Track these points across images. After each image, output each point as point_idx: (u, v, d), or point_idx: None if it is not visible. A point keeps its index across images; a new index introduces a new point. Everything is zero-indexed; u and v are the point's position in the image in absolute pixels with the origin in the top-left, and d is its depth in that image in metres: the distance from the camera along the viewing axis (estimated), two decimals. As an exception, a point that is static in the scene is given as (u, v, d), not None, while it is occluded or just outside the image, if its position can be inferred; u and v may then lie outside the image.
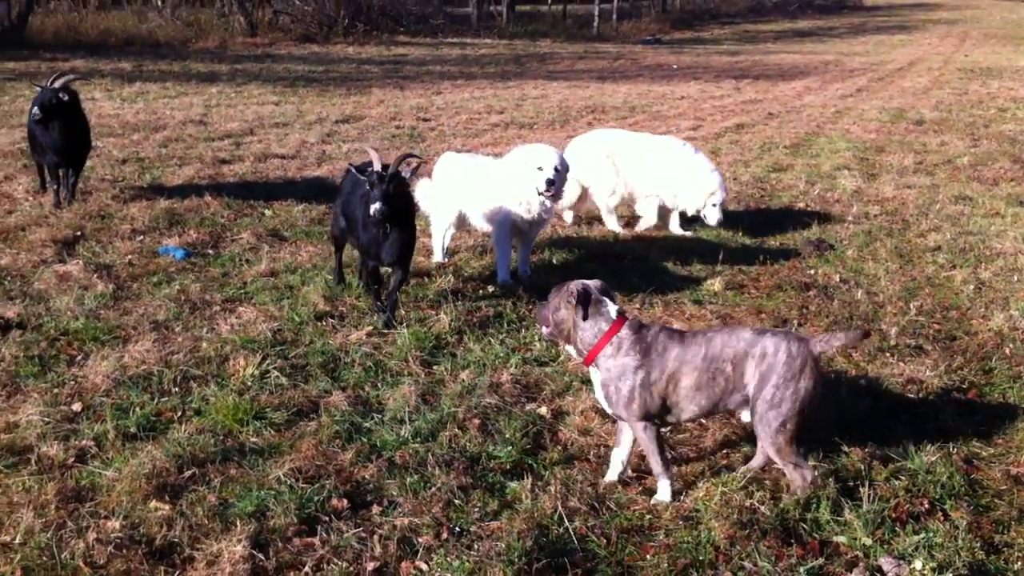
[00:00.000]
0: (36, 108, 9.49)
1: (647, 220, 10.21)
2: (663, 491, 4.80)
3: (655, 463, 4.78)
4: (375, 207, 6.50)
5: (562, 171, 7.92)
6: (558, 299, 4.81)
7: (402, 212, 6.82)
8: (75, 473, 4.90)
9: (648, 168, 9.91)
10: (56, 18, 29.58)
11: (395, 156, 7.01)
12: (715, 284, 8.15)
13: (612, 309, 4.77)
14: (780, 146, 15.32)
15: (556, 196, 8.04)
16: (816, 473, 4.81)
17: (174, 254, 8.41)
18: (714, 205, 9.70)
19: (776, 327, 6.88)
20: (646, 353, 4.67)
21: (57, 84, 9.66)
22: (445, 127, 16.35)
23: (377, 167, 6.64)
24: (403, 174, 6.78)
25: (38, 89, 9.77)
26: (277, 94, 19.56)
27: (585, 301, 4.73)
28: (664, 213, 10.20)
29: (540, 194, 7.86)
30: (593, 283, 4.88)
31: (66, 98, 9.61)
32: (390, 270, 7.26)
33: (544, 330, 4.97)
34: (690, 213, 9.91)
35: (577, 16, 46.29)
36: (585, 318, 4.73)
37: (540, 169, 7.82)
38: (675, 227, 10.24)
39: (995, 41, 42.24)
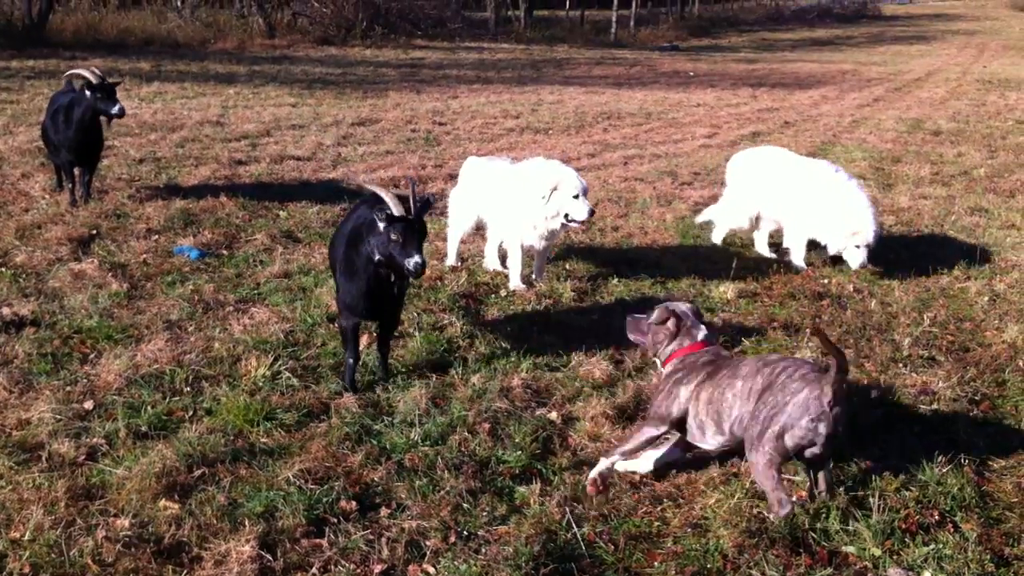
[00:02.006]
0: (117, 107, 9.51)
1: (795, 255, 9.11)
2: (601, 465, 5.01)
3: (623, 446, 5.03)
4: (415, 261, 5.31)
5: (585, 195, 7.89)
6: (662, 315, 5.24)
7: None
8: (85, 471, 4.92)
9: (788, 194, 8.99)
10: (76, 17, 29.76)
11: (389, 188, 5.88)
12: (728, 292, 8.12)
13: (701, 333, 5.21)
14: (796, 155, 15.25)
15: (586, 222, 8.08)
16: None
17: (188, 254, 8.45)
18: (857, 246, 8.46)
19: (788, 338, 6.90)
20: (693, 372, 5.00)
21: (79, 77, 9.70)
22: (461, 131, 16.37)
23: (397, 210, 5.39)
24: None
25: (71, 91, 9.87)
26: (294, 96, 19.63)
27: (680, 324, 5.22)
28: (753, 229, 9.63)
29: (577, 222, 7.86)
30: (688, 307, 5.37)
31: (121, 81, 9.97)
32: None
33: (632, 336, 5.42)
34: (831, 252, 8.79)
35: (595, 22, 46.32)
36: (675, 337, 5.21)
37: (576, 198, 7.75)
38: (762, 246, 9.59)
39: (1014, 53, 42.03)
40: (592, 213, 7.87)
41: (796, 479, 5.05)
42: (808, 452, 4.57)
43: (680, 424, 4.95)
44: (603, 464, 4.99)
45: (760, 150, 10.04)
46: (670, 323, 5.20)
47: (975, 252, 9.50)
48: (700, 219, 10.10)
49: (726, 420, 4.75)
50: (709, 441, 4.91)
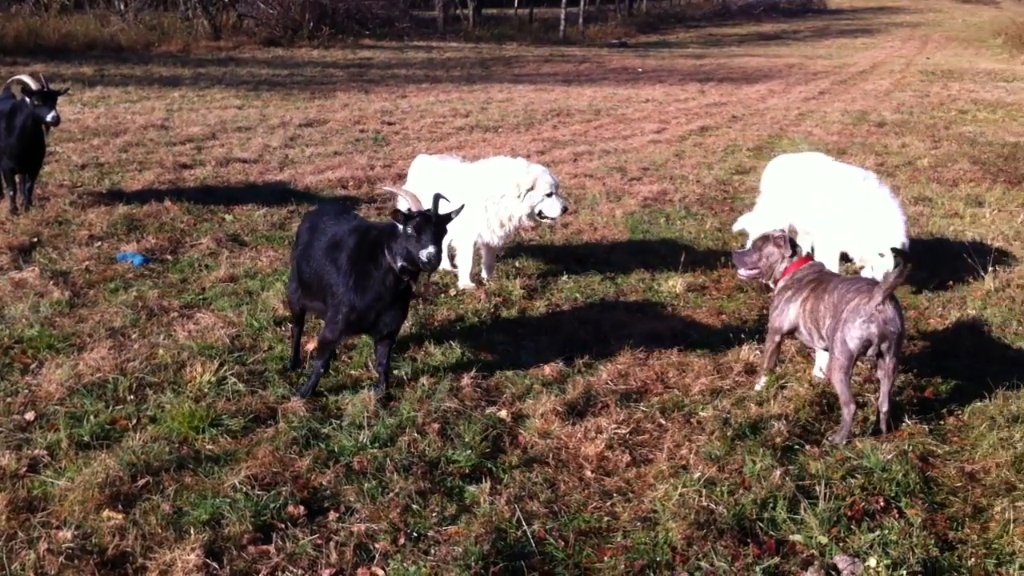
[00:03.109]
0: (51, 115, 9.29)
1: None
2: (759, 384, 6.12)
3: (764, 361, 6.23)
4: (428, 252, 5.33)
5: (557, 191, 7.93)
6: (770, 246, 6.21)
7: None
8: (27, 483, 4.83)
9: (815, 204, 8.30)
10: (17, 22, 29.13)
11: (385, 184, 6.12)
12: (677, 286, 8.17)
13: (802, 250, 6.24)
14: (743, 148, 15.42)
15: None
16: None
17: (132, 260, 8.32)
18: (881, 254, 7.60)
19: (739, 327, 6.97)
20: (800, 289, 5.97)
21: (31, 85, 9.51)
22: (410, 131, 16.30)
23: (414, 207, 5.50)
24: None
25: (10, 98, 9.69)
26: (240, 98, 19.43)
27: (793, 243, 6.22)
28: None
29: (550, 219, 7.99)
30: (781, 230, 6.38)
31: (67, 88, 10.13)
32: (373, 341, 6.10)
33: (745, 272, 6.36)
34: (858, 262, 8.06)
35: (543, 19, 46.37)
36: (793, 255, 6.15)
37: (549, 195, 7.83)
38: None
39: (956, 44, 42.72)
40: (566, 210, 7.97)
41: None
42: (870, 351, 5.39)
43: (792, 333, 6.01)
44: (761, 383, 6.12)
45: (796, 156, 9.40)
46: (781, 241, 6.15)
47: (919, 241, 9.62)
48: (736, 228, 9.42)
49: (823, 328, 5.66)
50: (817, 344, 5.88)
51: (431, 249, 5.34)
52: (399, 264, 5.50)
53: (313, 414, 5.61)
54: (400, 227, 5.45)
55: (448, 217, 5.57)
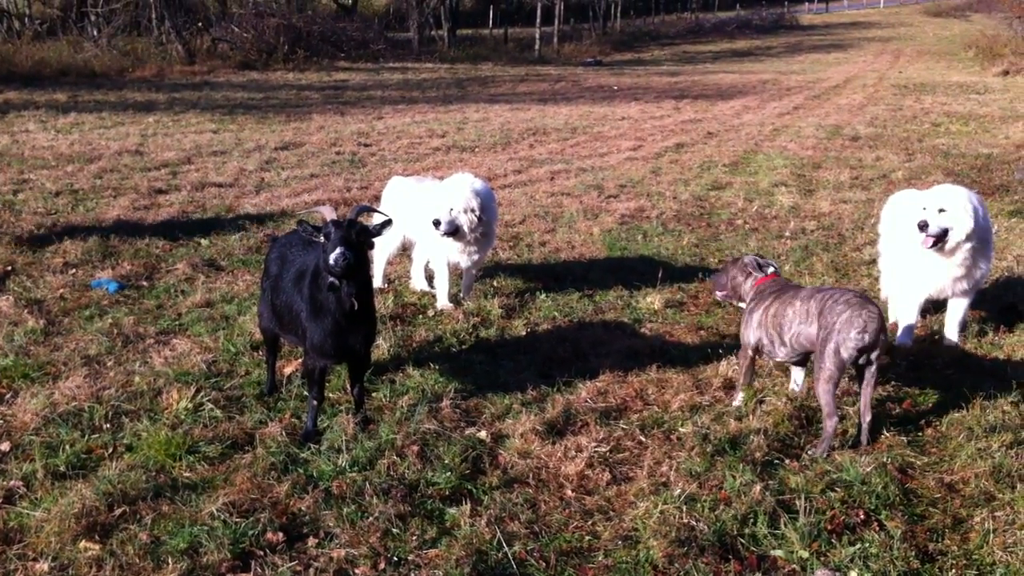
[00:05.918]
0: None
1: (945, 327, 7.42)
2: (737, 400, 6.11)
3: (740, 377, 6.16)
4: (336, 253, 5.20)
5: (459, 212, 7.71)
6: (735, 270, 6.33)
7: (367, 280, 5.64)
8: (2, 514, 4.77)
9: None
10: (-11, 50, 29.11)
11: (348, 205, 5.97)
12: (655, 302, 8.18)
13: (770, 268, 6.28)
14: (719, 164, 15.49)
15: (455, 236, 7.80)
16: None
17: (107, 287, 8.27)
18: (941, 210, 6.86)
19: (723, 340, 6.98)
20: (763, 299, 6.04)
21: None
22: (386, 152, 16.31)
23: (332, 217, 5.43)
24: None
25: None
26: (215, 122, 19.39)
27: (758, 268, 6.24)
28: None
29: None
30: (756, 256, 6.36)
31: None
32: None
33: (719, 294, 6.51)
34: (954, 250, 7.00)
35: (518, 39, 46.58)
36: (750, 274, 6.21)
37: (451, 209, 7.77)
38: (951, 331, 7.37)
39: (928, 57, 43.15)
40: (437, 224, 7.68)
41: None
42: (861, 360, 5.44)
43: (759, 346, 5.98)
44: (739, 399, 6.10)
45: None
46: (742, 262, 6.27)
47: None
48: (884, 296, 8.09)
49: (786, 333, 5.73)
50: (779, 353, 5.90)
51: (338, 251, 5.20)
52: (329, 280, 5.40)
53: (291, 439, 5.56)
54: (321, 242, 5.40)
55: (367, 229, 5.43)
